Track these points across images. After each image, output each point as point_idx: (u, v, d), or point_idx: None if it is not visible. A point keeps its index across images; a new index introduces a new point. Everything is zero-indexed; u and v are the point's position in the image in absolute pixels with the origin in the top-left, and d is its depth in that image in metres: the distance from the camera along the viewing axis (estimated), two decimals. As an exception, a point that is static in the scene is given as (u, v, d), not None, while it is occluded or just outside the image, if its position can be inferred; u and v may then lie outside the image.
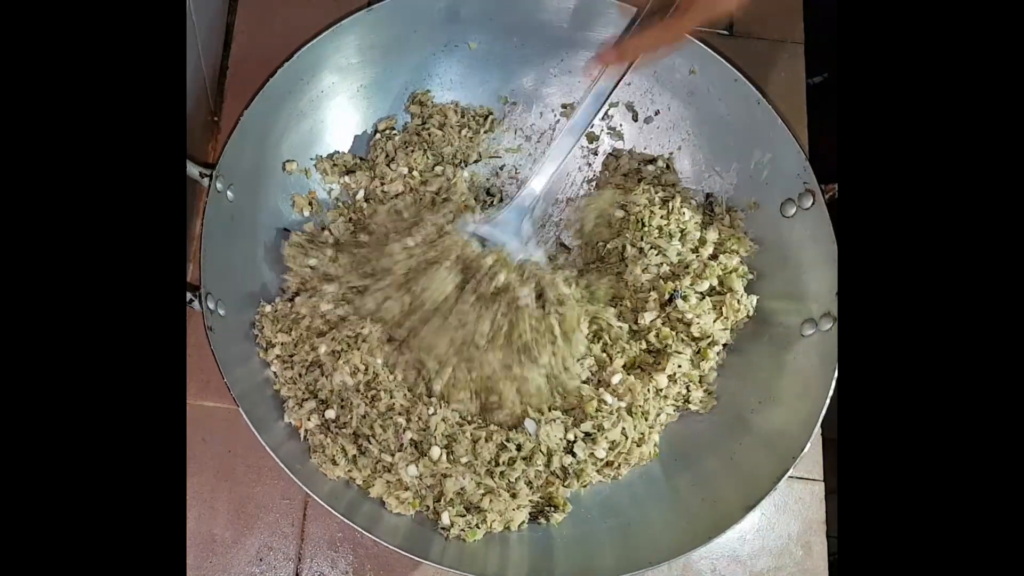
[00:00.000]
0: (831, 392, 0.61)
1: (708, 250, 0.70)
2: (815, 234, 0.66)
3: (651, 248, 0.70)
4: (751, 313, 0.69)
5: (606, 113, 0.76)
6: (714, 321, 0.68)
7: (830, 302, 0.64)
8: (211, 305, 0.60)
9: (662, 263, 0.69)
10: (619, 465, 0.67)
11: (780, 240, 0.69)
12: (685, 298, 0.68)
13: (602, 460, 0.66)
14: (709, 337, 0.69)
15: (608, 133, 0.77)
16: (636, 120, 0.76)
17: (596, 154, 0.77)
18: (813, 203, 0.66)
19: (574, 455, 0.64)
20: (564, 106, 0.76)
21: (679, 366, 0.68)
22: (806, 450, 0.60)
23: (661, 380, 0.67)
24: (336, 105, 0.71)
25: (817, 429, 0.61)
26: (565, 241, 0.75)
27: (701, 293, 0.69)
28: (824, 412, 0.61)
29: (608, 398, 0.66)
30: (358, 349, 0.65)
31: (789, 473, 0.60)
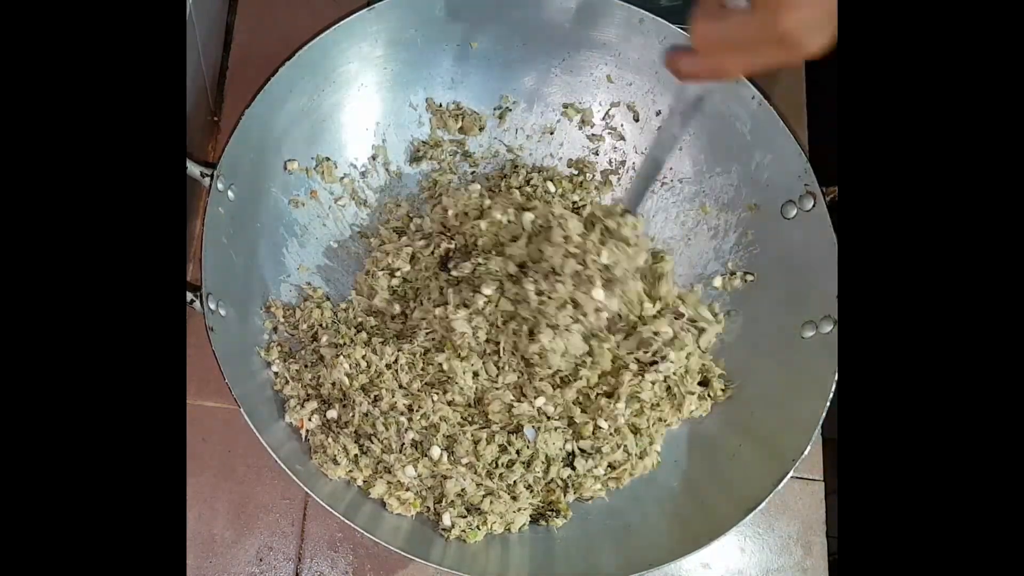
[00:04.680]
0: (831, 395, 0.61)
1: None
2: (816, 236, 0.66)
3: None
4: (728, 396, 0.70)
5: (607, 113, 0.76)
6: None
7: (830, 304, 0.64)
8: (212, 305, 0.60)
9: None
10: (623, 480, 0.67)
11: (781, 242, 0.69)
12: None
13: (603, 476, 0.66)
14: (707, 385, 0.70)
15: (609, 133, 0.77)
16: (637, 120, 0.76)
17: (597, 154, 0.77)
18: (814, 205, 0.66)
19: (574, 468, 0.65)
20: (566, 106, 0.76)
21: (692, 408, 0.68)
22: (806, 453, 0.60)
23: (671, 418, 0.68)
24: (337, 104, 0.71)
25: (817, 432, 0.61)
26: None
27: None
28: (824, 415, 0.61)
29: (603, 424, 0.65)
30: (358, 344, 0.65)
31: (789, 475, 0.60)
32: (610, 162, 0.77)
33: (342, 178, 0.73)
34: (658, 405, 0.67)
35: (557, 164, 0.77)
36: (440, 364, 0.65)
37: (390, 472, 0.62)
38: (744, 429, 0.66)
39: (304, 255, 0.71)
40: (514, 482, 0.63)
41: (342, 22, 0.66)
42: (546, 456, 0.64)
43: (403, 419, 0.63)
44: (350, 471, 0.62)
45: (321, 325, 0.68)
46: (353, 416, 0.63)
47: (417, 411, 0.63)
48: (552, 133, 0.77)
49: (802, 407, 0.63)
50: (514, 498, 0.62)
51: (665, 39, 0.70)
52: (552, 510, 0.64)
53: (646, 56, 0.72)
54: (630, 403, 0.65)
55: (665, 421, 0.68)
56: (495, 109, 0.77)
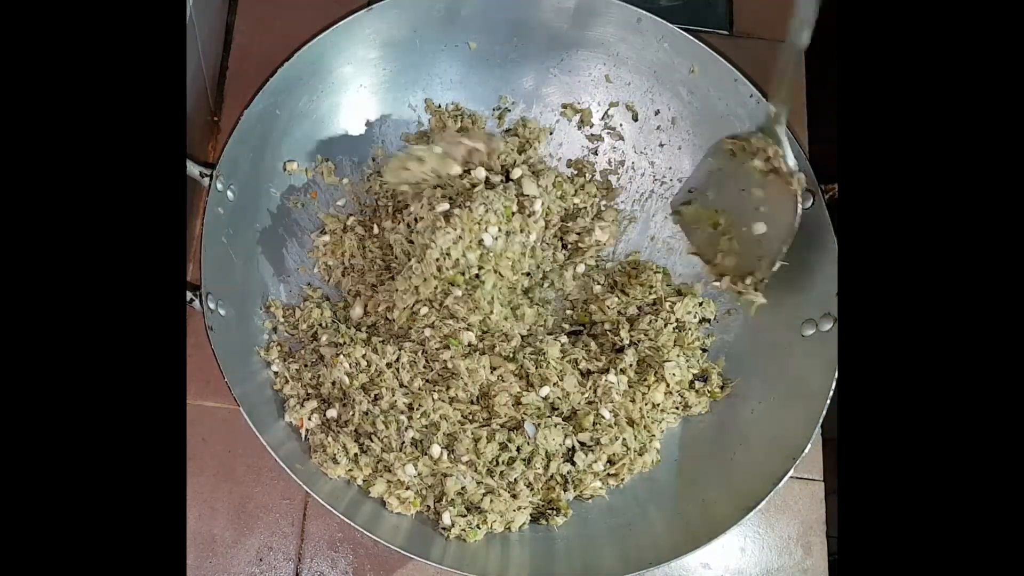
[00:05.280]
0: (831, 393, 0.61)
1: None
2: (815, 234, 0.66)
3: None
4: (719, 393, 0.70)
5: (606, 112, 0.76)
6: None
7: (830, 302, 0.64)
8: (211, 305, 0.60)
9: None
10: (622, 477, 0.67)
11: (780, 240, 0.69)
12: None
13: (603, 472, 0.66)
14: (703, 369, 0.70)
15: (608, 133, 0.77)
16: (636, 120, 0.76)
17: (596, 154, 0.77)
18: (813, 203, 0.66)
19: (574, 464, 0.64)
20: (564, 106, 0.76)
21: (674, 374, 0.68)
22: (806, 451, 0.60)
23: (657, 396, 0.67)
24: (336, 104, 0.71)
25: (817, 430, 0.61)
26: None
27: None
28: (824, 413, 0.61)
29: (606, 413, 0.66)
30: (358, 343, 0.65)
31: (789, 474, 0.60)
32: (609, 162, 0.77)
33: (341, 179, 0.73)
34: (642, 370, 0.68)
35: (556, 164, 0.77)
36: (445, 361, 0.65)
37: (390, 471, 0.62)
38: (744, 428, 0.66)
39: (304, 255, 0.71)
40: (514, 480, 0.63)
41: (341, 23, 0.66)
42: (546, 452, 0.64)
43: (403, 418, 0.63)
44: (350, 470, 0.62)
45: (321, 324, 0.68)
46: (353, 415, 0.63)
47: (417, 409, 0.64)
48: (551, 133, 0.77)
49: (802, 407, 0.63)
50: (514, 496, 0.62)
51: (664, 38, 0.70)
52: (552, 508, 0.64)
53: (644, 56, 0.72)
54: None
55: (660, 407, 0.68)
56: (494, 109, 0.76)
